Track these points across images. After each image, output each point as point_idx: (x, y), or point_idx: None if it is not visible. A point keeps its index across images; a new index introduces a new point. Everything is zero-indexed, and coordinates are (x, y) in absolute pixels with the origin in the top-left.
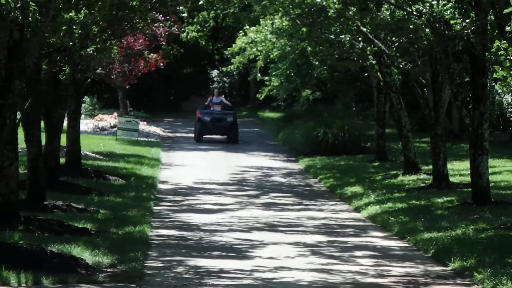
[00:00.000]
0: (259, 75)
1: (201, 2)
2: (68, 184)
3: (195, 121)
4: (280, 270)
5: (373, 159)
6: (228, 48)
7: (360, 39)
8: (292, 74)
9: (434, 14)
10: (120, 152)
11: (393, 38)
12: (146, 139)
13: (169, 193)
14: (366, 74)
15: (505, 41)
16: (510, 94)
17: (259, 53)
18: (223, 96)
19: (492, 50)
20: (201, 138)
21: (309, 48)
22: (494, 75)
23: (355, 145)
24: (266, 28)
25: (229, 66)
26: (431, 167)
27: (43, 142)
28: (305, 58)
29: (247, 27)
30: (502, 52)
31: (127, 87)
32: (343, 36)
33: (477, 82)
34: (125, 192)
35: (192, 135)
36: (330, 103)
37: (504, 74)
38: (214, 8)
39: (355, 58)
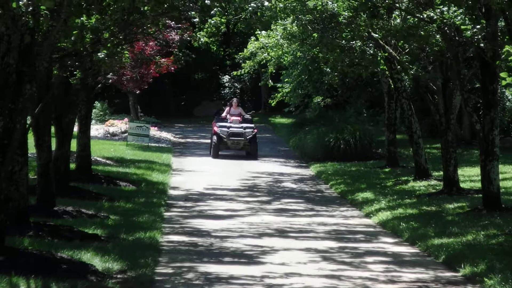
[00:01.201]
0: (270, 81)
1: (213, 12)
2: (78, 190)
3: (211, 134)
4: (291, 276)
5: (384, 165)
6: (240, 53)
7: (371, 45)
8: (304, 80)
9: (445, 20)
10: (131, 157)
11: (404, 44)
12: (157, 145)
13: (180, 199)
14: (377, 79)
15: None
16: None
17: (270, 58)
18: (241, 108)
19: (503, 56)
20: (217, 154)
21: (320, 54)
22: (502, 82)
23: (366, 151)
24: (277, 33)
25: (240, 71)
26: (442, 173)
27: (54, 147)
28: (316, 64)
29: (259, 32)
30: None
31: (138, 92)
32: (354, 42)
33: (487, 88)
34: (136, 198)
35: (204, 140)
36: (341, 109)
37: None
38: (226, 13)
39: (366, 64)
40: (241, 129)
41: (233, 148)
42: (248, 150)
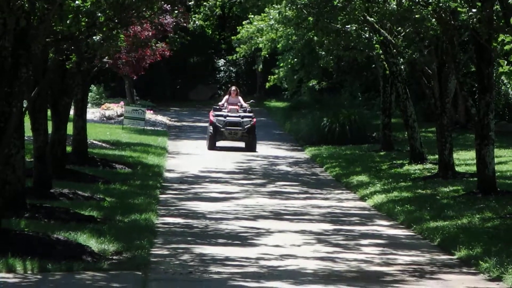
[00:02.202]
0: (261, 66)
1: None
2: (74, 172)
3: (208, 125)
4: (286, 258)
5: (379, 148)
6: (233, 37)
7: (366, 29)
8: (296, 64)
9: (440, 4)
10: (127, 140)
11: (400, 28)
12: (152, 128)
13: (175, 181)
14: (373, 66)
15: (508, 35)
16: None
17: (265, 42)
18: (240, 97)
19: (499, 42)
20: (214, 145)
21: (316, 38)
22: (500, 70)
23: (361, 135)
24: (271, 17)
25: (235, 55)
26: (437, 156)
27: (50, 130)
28: (311, 48)
29: (252, 15)
30: (507, 46)
31: (135, 78)
32: (349, 26)
33: (483, 72)
34: (131, 180)
35: (199, 124)
36: (337, 93)
37: (511, 68)
38: None
39: (362, 48)
40: (239, 118)
41: (230, 138)
42: (246, 141)
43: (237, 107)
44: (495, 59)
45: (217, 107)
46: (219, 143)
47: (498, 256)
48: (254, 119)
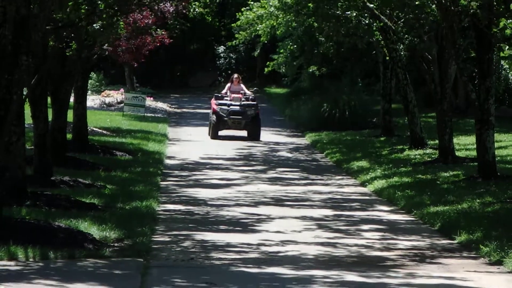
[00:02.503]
0: (257, 51)
1: None
2: (75, 160)
3: (210, 114)
4: (287, 244)
5: (379, 134)
6: (233, 24)
7: (366, 15)
8: (296, 51)
9: None
10: (127, 127)
11: (400, 14)
12: (152, 115)
13: (176, 168)
14: (373, 52)
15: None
16: None
17: (265, 29)
18: (242, 85)
19: (500, 27)
20: (216, 134)
21: (316, 24)
22: (501, 54)
23: (362, 120)
24: (270, 4)
25: (234, 41)
26: (437, 141)
27: (50, 118)
28: (310, 35)
29: (252, 2)
30: (508, 31)
31: (135, 65)
32: (349, 12)
33: (483, 57)
34: (132, 168)
35: (200, 111)
36: (337, 79)
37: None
38: None
39: (362, 34)
40: (242, 108)
41: (234, 128)
42: (249, 131)
43: (240, 95)
44: (495, 45)
45: (219, 95)
46: (221, 132)
47: (499, 240)
48: (259, 109)
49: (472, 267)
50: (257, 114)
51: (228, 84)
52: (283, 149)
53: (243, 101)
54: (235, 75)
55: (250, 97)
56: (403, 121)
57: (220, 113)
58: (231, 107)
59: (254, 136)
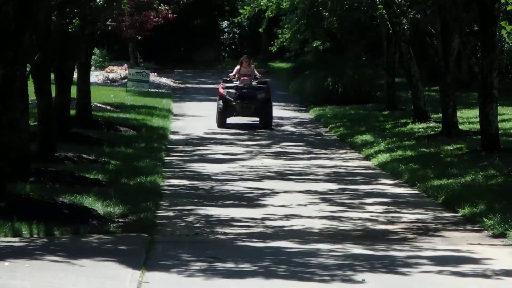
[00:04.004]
0: (263, 27)
1: None
2: (79, 136)
3: (217, 100)
4: (291, 218)
5: (383, 108)
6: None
7: None
8: (302, 25)
9: None
10: (131, 103)
11: None
12: (156, 90)
13: (180, 143)
14: (375, 23)
15: None
16: None
17: (270, 3)
18: (253, 66)
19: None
20: (224, 121)
21: None
22: (502, 31)
23: (365, 94)
24: None
25: (239, 17)
26: (440, 115)
27: (54, 94)
28: (315, 9)
29: None
30: (510, 7)
31: (140, 38)
32: None
33: (486, 31)
34: (136, 143)
35: (203, 86)
36: (341, 53)
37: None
38: None
39: (365, 8)
40: (253, 92)
41: (243, 113)
42: (260, 117)
43: (250, 78)
44: (498, 18)
45: (227, 79)
46: (230, 120)
47: (502, 213)
48: (270, 91)
49: (476, 240)
50: (269, 98)
51: (237, 67)
52: (287, 123)
53: (254, 84)
54: (245, 57)
55: (262, 79)
56: (406, 95)
57: (227, 97)
58: (239, 90)
59: (265, 123)
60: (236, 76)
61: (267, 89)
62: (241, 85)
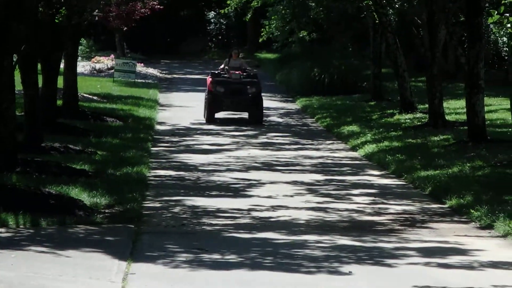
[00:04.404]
0: (248, 16)
1: None
2: (65, 126)
3: (205, 94)
4: (278, 209)
5: (370, 98)
6: None
7: None
8: (288, 15)
9: None
10: (118, 93)
11: None
12: (143, 81)
13: (166, 134)
14: (362, 15)
15: None
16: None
17: None
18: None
19: None
20: (212, 116)
21: None
22: (490, 20)
23: (352, 85)
24: None
25: (226, 8)
26: (427, 106)
27: (40, 84)
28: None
29: None
30: None
31: (125, 29)
32: None
33: (472, 21)
34: (123, 134)
35: (190, 76)
36: (327, 44)
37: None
38: None
39: None
40: (243, 85)
41: (232, 109)
42: (250, 111)
43: (239, 71)
44: (484, 9)
45: (216, 72)
46: (219, 114)
47: (489, 204)
48: (260, 85)
49: (463, 231)
50: (259, 92)
51: (226, 60)
52: (274, 114)
53: (243, 78)
54: (234, 49)
55: (251, 73)
56: (393, 85)
57: (216, 92)
58: (229, 85)
59: (256, 118)
60: (225, 69)
61: (258, 83)
62: (230, 79)
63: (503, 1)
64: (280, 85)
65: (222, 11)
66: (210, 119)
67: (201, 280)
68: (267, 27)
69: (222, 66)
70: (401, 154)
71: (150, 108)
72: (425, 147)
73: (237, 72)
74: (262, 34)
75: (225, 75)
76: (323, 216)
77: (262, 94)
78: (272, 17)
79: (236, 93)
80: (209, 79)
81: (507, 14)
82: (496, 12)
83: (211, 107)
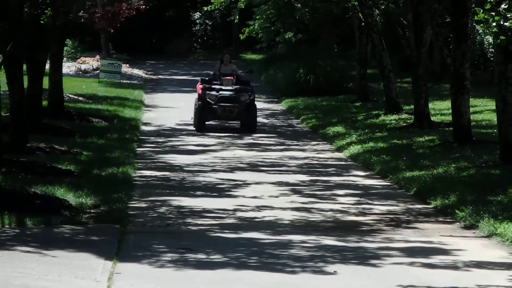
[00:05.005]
0: (237, 18)
1: None
2: (51, 127)
3: (195, 101)
4: (263, 209)
5: (355, 99)
6: None
7: None
8: (273, 16)
9: None
10: (103, 94)
11: None
12: (128, 82)
13: (152, 134)
14: (348, 15)
15: None
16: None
17: None
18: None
19: None
20: (202, 125)
21: None
22: (475, 18)
23: (337, 86)
24: None
25: (210, 6)
26: (412, 106)
27: (26, 85)
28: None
29: None
30: None
31: (112, 31)
32: None
33: (458, 22)
34: (108, 134)
35: (176, 77)
36: (313, 44)
37: (486, 16)
38: None
39: (337, 0)
40: (235, 93)
41: (224, 117)
42: (243, 121)
43: (232, 78)
44: (470, 9)
45: (206, 79)
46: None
47: (474, 205)
48: (254, 92)
49: (448, 231)
50: (253, 100)
51: (217, 66)
52: (259, 114)
53: (236, 84)
54: (226, 55)
55: (244, 79)
56: (378, 86)
57: (208, 99)
58: (220, 92)
59: (249, 127)
60: (217, 75)
61: (251, 90)
62: (222, 86)
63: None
64: (265, 86)
65: (205, 8)
66: (200, 129)
67: (186, 279)
68: (251, 26)
69: (213, 72)
70: (386, 154)
71: (135, 108)
72: (410, 148)
73: (229, 79)
74: (243, 31)
75: (217, 82)
76: (308, 217)
77: None
78: (257, 17)
79: (228, 100)
80: (199, 86)
81: (493, 13)
82: (481, 10)
83: (201, 116)
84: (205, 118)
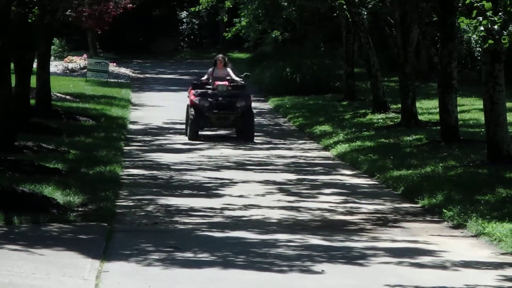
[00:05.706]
0: (225, 17)
1: None
2: (38, 125)
3: (187, 108)
4: (250, 208)
5: (342, 98)
6: None
7: None
8: (260, 14)
9: None
10: (90, 93)
11: None
12: (116, 80)
13: (139, 133)
14: (335, 14)
15: None
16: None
17: None
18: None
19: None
20: (196, 134)
21: None
22: (461, 25)
23: (324, 85)
24: None
25: (198, 6)
26: (400, 105)
27: (13, 83)
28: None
29: None
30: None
31: (99, 32)
32: None
33: (445, 21)
34: (96, 133)
35: (163, 76)
36: (299, 43)
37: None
38: None
39: None
40: (230, 99)
41: (219, 125)
42: (239, 128)
43: (226, 82)
44: (457, 8)
45: (199, 83)
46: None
47: (462, 204)
48: (250, 97)
49: (436, 231)
50: (249, 106)
51: (210, 69)
52: None
53: (231, 89)
54: (220, 57)
55: (240, 83)
56: (366, 85)
57: (200, 106)
58: (214, 98)
59: (246, 135)
60: (210, 79)
61: (248, 96)
62: (216, 91)
63: (475, 4)
64: (252, 85)
65: (192, 9)
66: (193, 137)
67: (173, 278)
68: (237, 24)
69: (206, 77)
70: (373, 153)
71: (122, 107)
72: (397, 147)
73: (223, 83)
74: (228, 30)
75: (210, 87)
76: (295, 215)
77: None
78: (242, 14)
79: (223, 108)
80: (190, 91)
81: (480, 18)
82: (464, 18)
83: (194, 124)
84: (198, 127)
